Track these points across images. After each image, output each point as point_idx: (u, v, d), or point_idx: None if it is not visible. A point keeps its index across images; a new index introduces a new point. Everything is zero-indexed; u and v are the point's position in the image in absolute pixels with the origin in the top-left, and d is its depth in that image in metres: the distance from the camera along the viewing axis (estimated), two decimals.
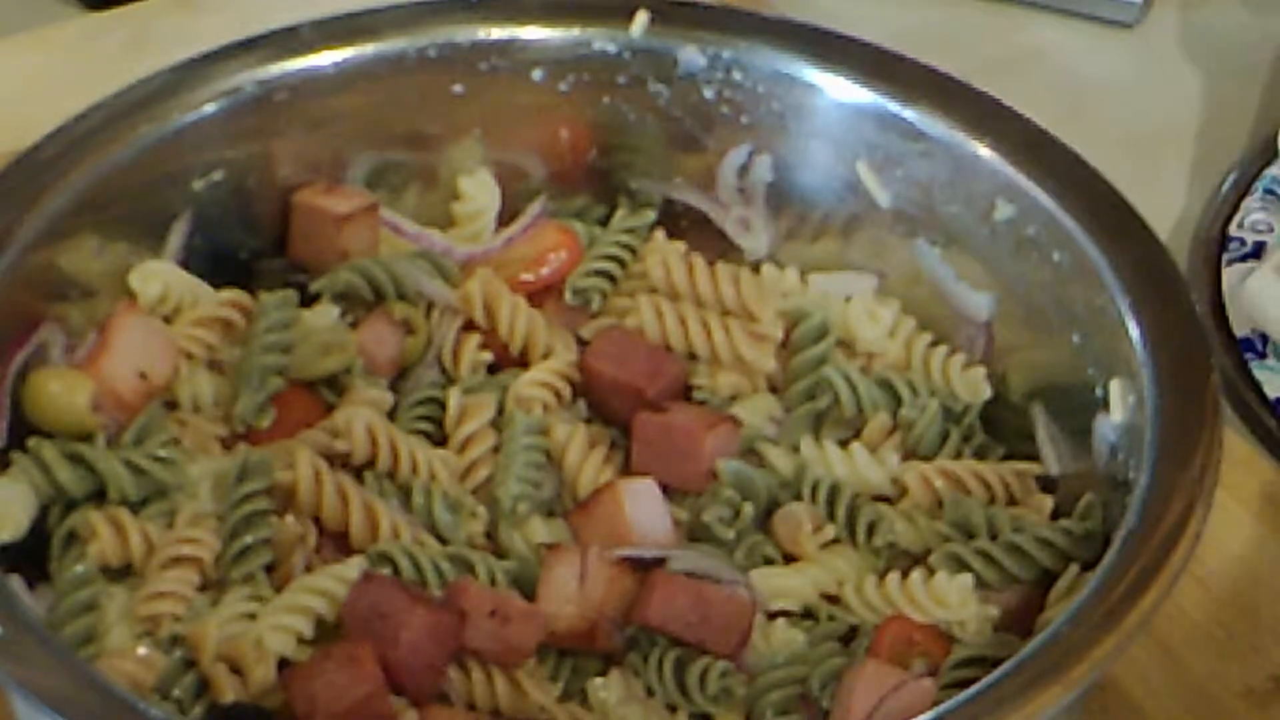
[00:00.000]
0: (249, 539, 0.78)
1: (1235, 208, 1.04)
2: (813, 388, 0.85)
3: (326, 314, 0.86)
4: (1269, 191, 1.05)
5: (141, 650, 0.75)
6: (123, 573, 0.78)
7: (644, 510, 0.81)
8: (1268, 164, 1.06)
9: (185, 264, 0.87)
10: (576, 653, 0.78)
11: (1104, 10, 1.20)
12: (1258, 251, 1.01)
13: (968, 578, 0.78)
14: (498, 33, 0.90)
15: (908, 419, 0.84)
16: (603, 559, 0.78)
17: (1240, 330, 0.97)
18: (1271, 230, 1.02)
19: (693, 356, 0.86)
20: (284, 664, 0.76)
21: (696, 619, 0.76)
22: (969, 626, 0.78)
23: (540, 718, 0.76)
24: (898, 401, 0.85)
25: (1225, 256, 1.01)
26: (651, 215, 0.92)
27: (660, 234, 0.92)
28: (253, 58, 0.88)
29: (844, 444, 0.84)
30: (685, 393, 0.86)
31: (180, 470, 0.80)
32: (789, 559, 0.81)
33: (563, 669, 0.78)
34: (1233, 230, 1.03)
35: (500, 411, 0.85)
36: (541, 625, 0.76)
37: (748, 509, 0.81)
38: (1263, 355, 0.96)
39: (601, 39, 0.90)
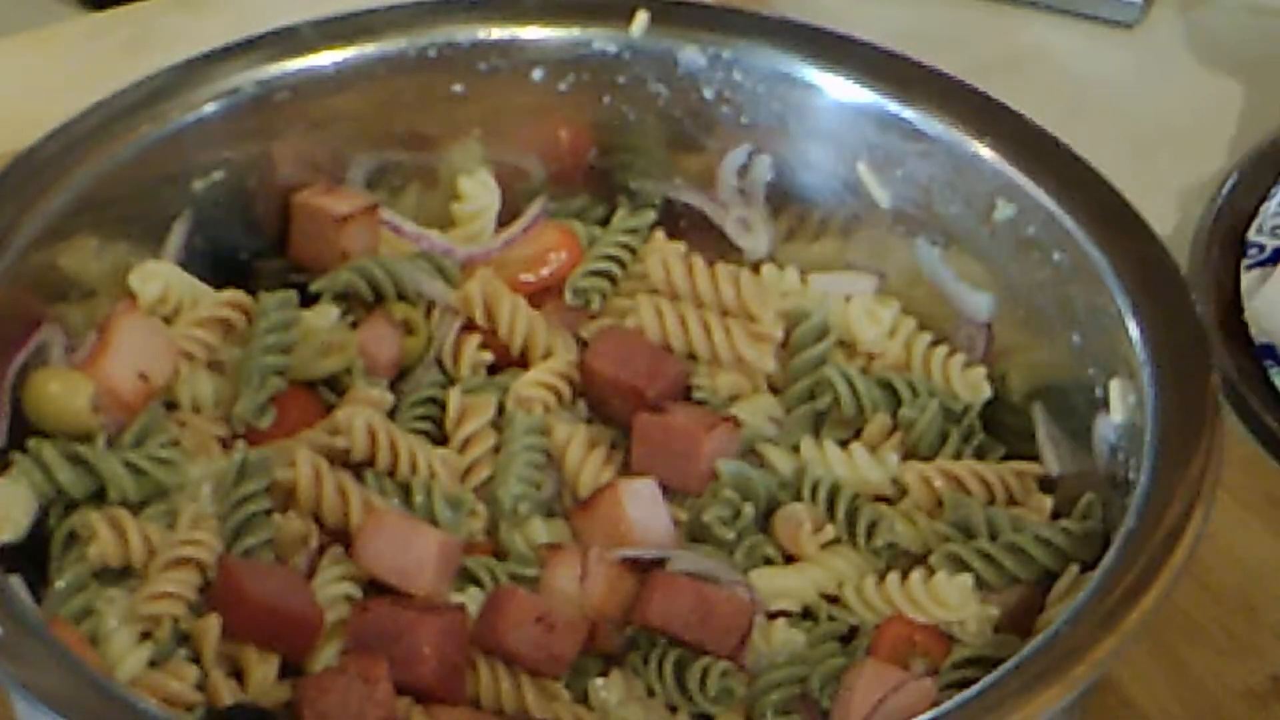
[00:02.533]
0: (251, 541, 0.78)
1: (1254, 212, 1.04)
2: (813, 388, 0.85)
3: (327, 314, 0.86)
4: None
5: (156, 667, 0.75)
6: (122, 575, 0.78)
7: (644, 510, 0.81)
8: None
9: (185, 264, 0.87)
10: (577, 652, 0.78)
11: (1104, 10, 1.20)
12: (1277, 257, 1.01)
13: (968, 578, 0.78)
14: (498, 33, 0.90)
15: (908, 419, 0.84)
16: (603, 560, 0.78)
17: (1260, 337, 0.96)
18: None
19: (693, 356, 0.86)
20: (284, 667, 0.76)
21: (697, 619, 0.76)
22: (969, 626, 0.78)
23: (544, 718, 0.76)
24: (898, 401, 0.85)
25: (1244, 262, 1.01)
26: (651, 215, 0.92)
27: (660, 234, 0.92)
28: (253, 58, 0.88)
29: (844, 444, 0.84)
30: (685, 393, 0.86)
31: (180, 471, 0.80)
32: (789, 559, 0.81)
33: None
34: (1252, 235, 1.02)
35: (500, 412, 0.85)
36: (584, 636, 0.76)
37: (748, 509, 0.81)
38: None
39: (601, 39, 0.90)
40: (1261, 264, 1.01)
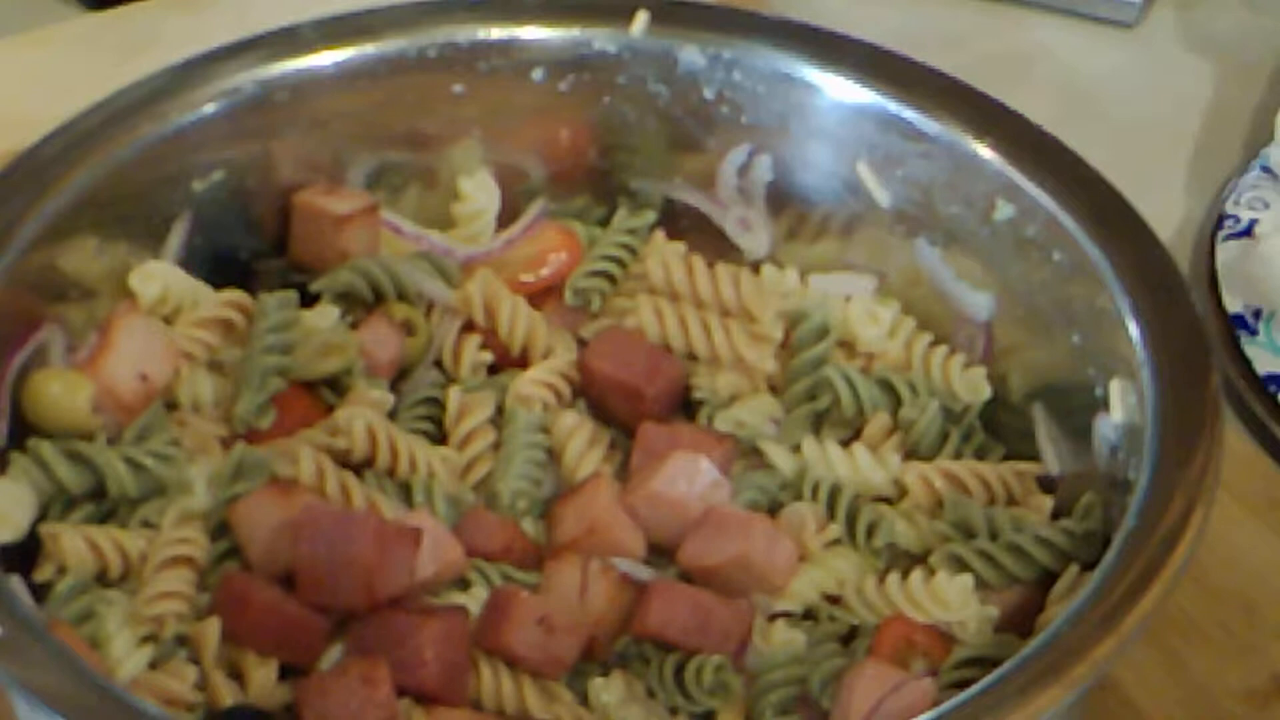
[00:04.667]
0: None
1: (1231, 185, 1.05)
2: (813, 388, 0.85)
3: (327, 315, 0.86)
4: (1265, 169, 1.05)
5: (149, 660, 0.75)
6: (122, 577, 0.78)
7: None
8: (1265, 144, 1.07)
9: (185, 264, 0.87)
10: (578, 654, 0.78)
11: (1104, 10, 1.20)
12: (1250, 229, 1.02)
13: (968, 578, 0.78)
14: (498, 33, 0.90)
15: (908, 419, 0.84)
16: (605, 573, 0.78)
17: (1233, 306, 0.97)
18: (1267, 207, 1.03)
19: (692, 357, 0.86)
20: (284, 668, 0.76)
21: (695, 625, 0.76)
22: (969, 626, 0.78)
23: (545, 718, 0.76)
24: (898, 401, 0.85)
25: (1219, 234, 1.02)
26: (651, 215, 0.92)
27: (660, 234, 0.92)
28: (253, 58, 0.88)
29: (844, 444, 0.84)
30: (685, 393, 0.86)
31: (180, 467, 0.80)
32: None
33: None
34: (1228, 208, 1.03)
35: (500, 412, 0.85)
36: (585, 638, 0.76)
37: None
38: (1254, 332, 0.97)
39: (601, 39, 0.90)
40: (1236, 235, 1.01)
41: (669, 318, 0.86)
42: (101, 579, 0.78)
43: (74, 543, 0.77)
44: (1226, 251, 1.01)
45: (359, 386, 0.85)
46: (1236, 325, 0.97)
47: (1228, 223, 1.02)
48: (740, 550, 0.78)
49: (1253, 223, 1.02)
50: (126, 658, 0.75)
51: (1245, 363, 0.96)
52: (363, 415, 0.82)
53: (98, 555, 0.77)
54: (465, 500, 0.82)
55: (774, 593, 0.79)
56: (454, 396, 0.85)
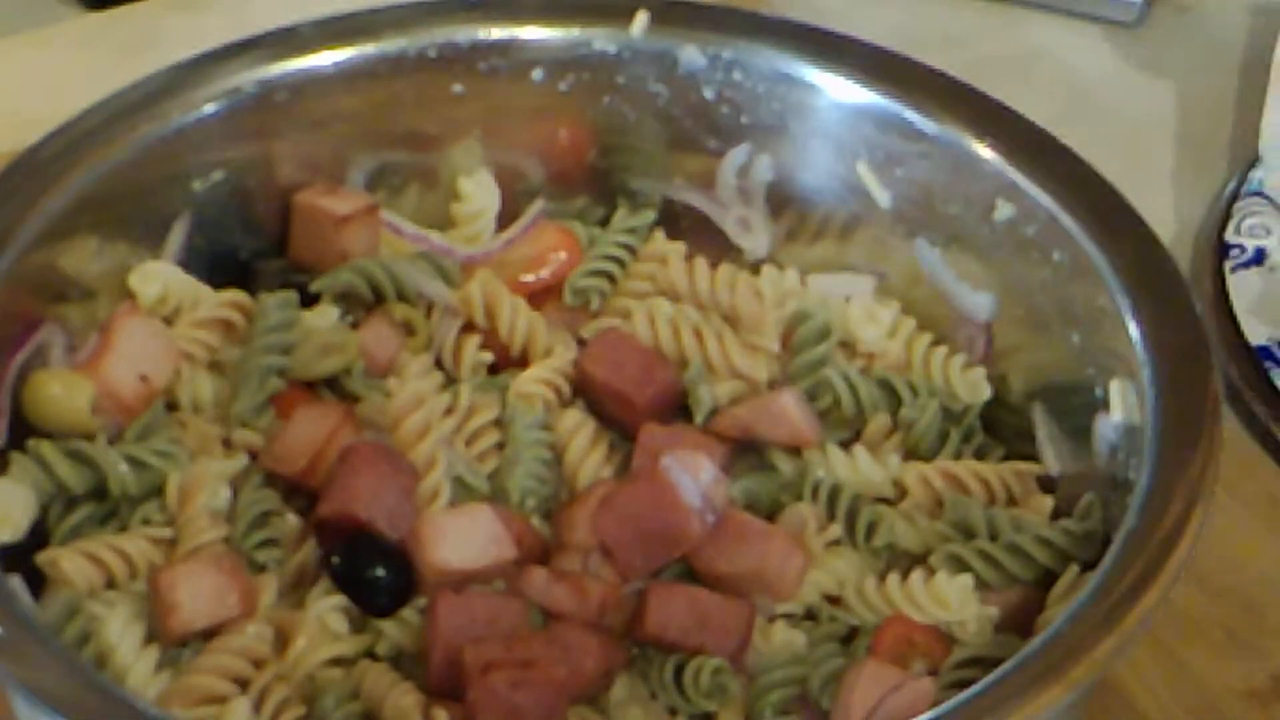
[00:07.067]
0: (259, 537, 0.78)
1: (1228, 212, 1.04)
2: (813, 389, 0.85)
3: (327, 315, 0.86)
4: (1256, 194, 1.05)
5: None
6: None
7: None
8: (1253, 166, 1.06)
9: (185, 264, 0.87)
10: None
11: (1104, 10, 1.20)
12: (1260, 257, 1.01)
13: (968, 578, 0.78)
14: (498, 33, 0.90)
15: (908, 419, 0.84)
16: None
17: (1258, 339, 0.96)
18: (1269, 233, 1.02)
19: None
20: None
21: (694, 624, 0.76)
22: (969, 627, 0.78)
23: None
24: (898, 402, 0.85)
25: (1228, 264, 1.01)
26: (651, 215, 0.92)
27: (660, 234, 0.92)
28: (253, 58, 0.88)
29: (845, 445, 0.84)
30: (681, 398, 0.86)
31: (180, 465, 0.80)
32: None
33: None
34: (1230, 237, 1.02)
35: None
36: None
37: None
38: None
39: (601, 39, 0.90)
40: (1245, 264, 1.01)
41: (662, 327, 0.86)
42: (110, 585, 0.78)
43: (74, 563, 0.76)
44: (1242, 282, 0.99)
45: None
46: (1263, 357, 0.96)
47: (1233, 252, 1.01)
48: (758, 565, 0.78)
49: (1260, 250, 1.01)
50: (135, 662, 0.75)
51: (1272, 392, 0.94)
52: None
53: (100, 566, 0.77)
54: (478, 490, 0.82)
55: (778, 597, 0.79)
56: (465, 393, 0.85)
